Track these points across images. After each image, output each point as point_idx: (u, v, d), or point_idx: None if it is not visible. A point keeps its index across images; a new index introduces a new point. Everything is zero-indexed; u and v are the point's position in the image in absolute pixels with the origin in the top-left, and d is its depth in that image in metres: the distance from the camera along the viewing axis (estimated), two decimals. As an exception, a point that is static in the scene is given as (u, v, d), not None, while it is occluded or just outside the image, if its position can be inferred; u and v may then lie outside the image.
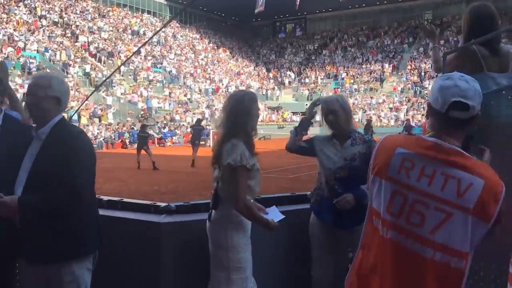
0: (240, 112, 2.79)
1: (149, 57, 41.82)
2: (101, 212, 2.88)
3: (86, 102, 26.63)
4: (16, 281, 2.69)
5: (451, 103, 1.72)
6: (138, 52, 38.12)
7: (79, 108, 18.06)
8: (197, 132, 18.30)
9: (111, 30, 42.29)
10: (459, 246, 1.68)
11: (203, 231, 2.88)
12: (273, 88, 51.11)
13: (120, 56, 37.79)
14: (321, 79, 50.90)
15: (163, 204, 3.14)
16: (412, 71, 45.42)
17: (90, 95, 5.70)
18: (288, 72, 54.56)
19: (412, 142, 1.83)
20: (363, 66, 50.50)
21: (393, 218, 1.76)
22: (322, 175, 3.21)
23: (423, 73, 43.85)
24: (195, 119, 24.96)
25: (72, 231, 2.47)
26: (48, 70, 28.80)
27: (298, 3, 37.03)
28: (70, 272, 2.46)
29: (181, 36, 51.51)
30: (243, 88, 43.18)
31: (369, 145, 3.14)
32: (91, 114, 28.42)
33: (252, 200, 2.83)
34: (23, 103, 3.06)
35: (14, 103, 3.43)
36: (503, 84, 2.74)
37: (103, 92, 31.34)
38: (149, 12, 51.83)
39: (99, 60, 36.18)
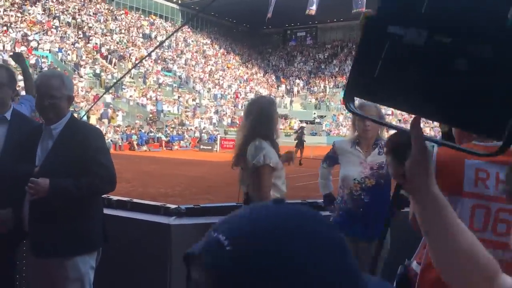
0: (264, 115, 2.85)
1: (160, 61, 42.06)
2: (110, 211, 2.86)
3: (97, 103, 26.76)
4: (17, 272, 2.70)
5: None
6: (149, 56, 38.34)
7: (90, 108, 18.14)
8: (300, 137, 20.96)
9: (123, 33, 42.60)
10: None
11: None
12: (282, 96, 51.15)
13: (131, 59, 38.03)
14: (329, 88, 50.86)
15: (173, 206, 3.12)
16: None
17: (101, 96, 5.74)
18: (297, 81, 54.60)
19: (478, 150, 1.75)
20: (373, 77, 50.33)
21: (478, 234, 1.65)
22: (345, 186, 3.10)
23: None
24: (203, 124, 25.00)
25: (79, 226, 2.48)
26: (59, 70, 29.02)
27: (314, 11, 37.01)
28: (76, 269, 2.47)
29: (192, 41, 51.77)
30: (252, 94, 43.26)
31: None
32: (101, 115, 28.57)
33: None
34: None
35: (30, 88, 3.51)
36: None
37: (111, 94, 31.52)
38: (161, 17, 52.19)
39: (110, 62, 36.43)
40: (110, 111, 29.43)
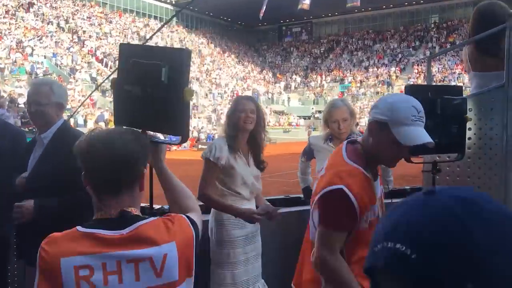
0: (228, 113, 3.00)
1: (156, 62, 42.03)
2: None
3: (94, 107, 26.73)
4: (9, 281, 2.74)
5: None
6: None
7: (76, 109, 18.12)
8: None
9: (118, 35, 42.58)
10: None
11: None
12: (280, 93, 51.12)
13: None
14: (327, 83, 50.81)
15: (157, 206, 3.15)
16: (418, 75, 45.26)
17: (91, 93, 5.77)
18: (294, 76, 54.55)
19: None
20: (370, 70, 50.36)
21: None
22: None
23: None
24: (200, 124, 25.10)
25: None
26: (54, 75, 29.04)
27: (308, 5, 36.91)
28: None
29: (187, 40, 51.73)
30: (249, 92, 43.28)
31: None
32: (97, 118, 28.58)
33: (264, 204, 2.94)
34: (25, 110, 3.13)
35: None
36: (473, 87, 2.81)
37: (110, 96, 31.52)
38: (155, 18, 52.11)
39: (106, 65, 36.43)
40: (107, 114, 29.45)
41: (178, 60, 1.69)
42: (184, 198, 1.67)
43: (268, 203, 2.97)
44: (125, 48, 1.86)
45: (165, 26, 50.53)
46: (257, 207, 2.96)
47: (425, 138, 1.74)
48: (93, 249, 1.30)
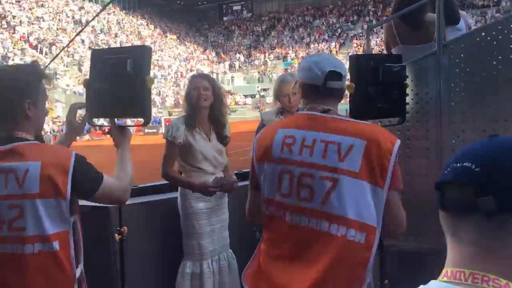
0: (185, 92, 3.13)
1: (93, 46, 40.53)
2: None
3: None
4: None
5: (328, 73, 1.77)
6: (81, 42, 36.83)
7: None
8: None
9: (51, 20, 40.58)
10: (357, 216, 1.62)
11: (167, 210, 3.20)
12: (225, 72, 50.89)
13: (63, 47, 36.41)
14: (270, 60, 51.11)
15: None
16: (357, 48, 46.44)
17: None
18: (237, 55, 54.40)
19: (292, 120, 1.89)
20: (311, 45, 51.06)
21: (286, 199, 1.72)
22: None
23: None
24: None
25: None
26: (-15, 65, 27.42)
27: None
28: None
29: (126, 22, 50.13)
30: (194, 73, 42.77)
31: None
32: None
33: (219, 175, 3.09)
34: None
35: None
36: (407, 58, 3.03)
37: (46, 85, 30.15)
38: (90, 0, 50.01)
39: (41, 52, 34.75)
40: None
41: (140, 54, 1.99)
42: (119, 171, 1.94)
43: (234, 176, 3.11)
44: (96, 53, 2.14)
45: (100, 8, 48.59)
46: None
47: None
48: None
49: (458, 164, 0.78)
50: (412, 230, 3.04)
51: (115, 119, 2.07)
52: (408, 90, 2.93)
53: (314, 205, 1.67)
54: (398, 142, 1.68)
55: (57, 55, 22.59)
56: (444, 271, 0.80)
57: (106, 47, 37.68)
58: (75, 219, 1.76)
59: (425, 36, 3.26)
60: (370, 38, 3.79)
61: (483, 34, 2.82)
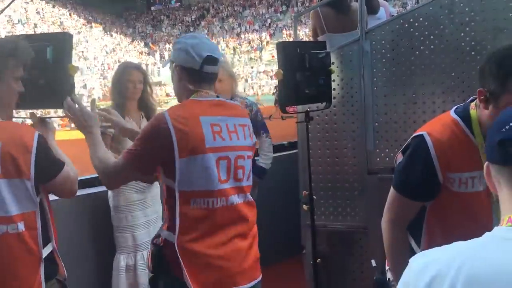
0: (114, 80, 3.07)
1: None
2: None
3: None
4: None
5: (205, 58, 1.80)
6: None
7: None
8: None
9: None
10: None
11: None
12: (155, 63, 49.76)
13: (-25, 37, 33.92)
14: (201, 51, 50.66)
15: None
16: (288, 38, 47.18)
17: None
18: (167, 45, 53.39)
19: (203, 107, 1.82)
20: (242, 36, 51.20)
21: (227, 184, 1.79)
22: None
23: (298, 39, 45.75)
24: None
25: None
26: None
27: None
28: None
29: (46, 12, 47.50)
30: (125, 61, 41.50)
31: (251, 108, 3.30)
32: None
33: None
34: None
35: None
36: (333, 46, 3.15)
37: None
38: (5, -13, 46.86)
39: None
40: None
41: (61, 41, 1.92)
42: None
43: None
44: None
45: (18, -4, 45.69)
46: None
47: None
48: None
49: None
50: (341, 211, 3.19)
51: (35, 111, 2.00)
52: (333, 76, 3.05)
53: (246, 183, 1.87)
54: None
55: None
56: (507, 217, 0.88)
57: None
58: (42, 197, 1.72)
59: (350, 24, 3.39)
60: (299, 28, 3.89)
61: (401, 21, 2.99)
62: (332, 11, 3.40)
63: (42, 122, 1.94)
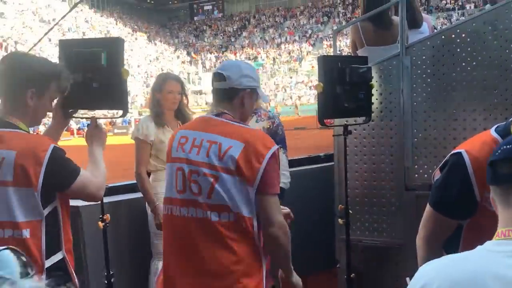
0: (154, 90, 3.11)
1: (61, 45, 39.69)
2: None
3: None
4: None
5: (213, 76, 1.99)
6: (48, 40, 36.04)
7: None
8: None
9: (16, 18, 39.52)
10: (236, 209, 1.81)
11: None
12: (197, 72, 50.62)
13: (29, 45, 35.53)
14: (241, 60, 51.13)
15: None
16: (328, 49, 46.97)
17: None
18: (209, 55, 54.23)
19: (194, 121, 2.10)
20: (282, 46, 51.39)
21: (181, 195, 1.89)
22: None
23: (338, 51, 45.42)
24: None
25: None
26: None
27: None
28: None
29: (94, 20, 49.27)
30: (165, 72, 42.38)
31: (273, 120, 3.30)
32: None
33: None
34: None
35: None
36: (372, 59, 3.12)
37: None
38: (57, -3, 48.92)
39: (6, 50, 33.79)
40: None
41: (114, 46, 2.02)
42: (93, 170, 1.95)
43: None
44: (64, 44, 2.08)
45: (68, 6, 47.60)
46: None
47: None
48: None
49: (508, 146, 0.99)
50: (377, 226, 3.16)
51: (94, 114, 2.11)
52: (373, 91, 3.04)
53: (201, 199, 1.85)
54: (275, 148, 1.87)
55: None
56: (497, 232, 0.99)
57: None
58: (56, 205, 1.78)
59: (390, 38, 3.38)
60: (340, 40, 3.93)
61: (443, 37, 2.96)
62: (371, 25, 3.39)
63: (97, 127, 2.05)
